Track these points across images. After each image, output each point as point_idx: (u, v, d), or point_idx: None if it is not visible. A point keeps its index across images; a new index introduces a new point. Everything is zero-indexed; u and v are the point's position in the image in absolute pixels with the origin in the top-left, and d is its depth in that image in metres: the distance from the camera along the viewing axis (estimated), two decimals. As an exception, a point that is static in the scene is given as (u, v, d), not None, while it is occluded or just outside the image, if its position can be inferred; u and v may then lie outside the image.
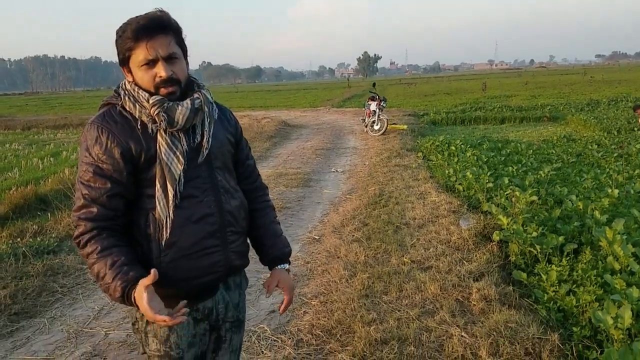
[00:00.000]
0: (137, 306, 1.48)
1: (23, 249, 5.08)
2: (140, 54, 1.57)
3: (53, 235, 5.62)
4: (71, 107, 39.70)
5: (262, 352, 3.27)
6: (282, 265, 1.98)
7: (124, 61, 1.62)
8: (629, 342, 2.76)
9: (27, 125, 23.04)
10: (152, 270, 1.46)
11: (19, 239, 5.51)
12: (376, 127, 13.87)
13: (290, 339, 3.40)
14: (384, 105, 14.59)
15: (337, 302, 3.84)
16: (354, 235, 5.39)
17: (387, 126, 13.80)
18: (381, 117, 13.88)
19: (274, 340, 3.41)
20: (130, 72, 1.63)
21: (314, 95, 41.25)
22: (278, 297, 3.89)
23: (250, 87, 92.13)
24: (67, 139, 17.73)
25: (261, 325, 3.62)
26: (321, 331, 3.45)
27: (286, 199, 7.34)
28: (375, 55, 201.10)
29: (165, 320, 1.44)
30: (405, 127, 14.87)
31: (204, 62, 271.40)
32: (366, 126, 14.42)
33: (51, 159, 11.67)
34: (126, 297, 1.50)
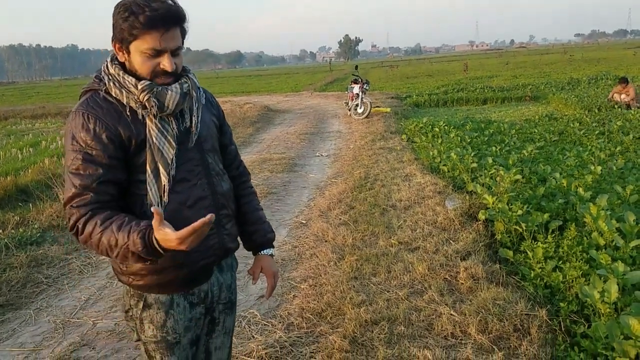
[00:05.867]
0: (163, 248, 1.39)
1: (5, 240, 5.00)
2: (149, 42, 1.49)
3: (35, 226, 5.52)
4: (49, 96, 38.95)
5: (253, 336, 3.26)
6: (265, 250, 1.99)
7: (124, 41, 1.52)
8: (615, 315, 2.81)
9: (4, 115, 22.52)
10: (153, 209, 1.34)
11: (0, 231, 5.41)
12: (360, 111, 13.83)
13: (280, 323, 3.40)
14: (367, 88, 14.54)
15: (326, 285, 3.85)
16: (341, 219, 5.39)
17: (370, 109, 13.77)
18: (364, 100, 13.84)
19: (265, 325, 3.41)
20: (125, 51, 1.55)
21: (296, 80, 41.01)
22: (266, 282, 3.89)
23: (231, 73, 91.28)
24: (45, 128, 17.42)
25: (251, 311, 3.61)
26: (311, 314, 3.46)
27: (272, 184, 7.30)
28: (356, 38, 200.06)
29: (195, 228, 1.33)
30: (388, 109, 14.87)
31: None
32: (349, 110, 14.38)
33: (30, 149, 11.45)
34: (149, 246, 1.39)
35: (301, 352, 3.06)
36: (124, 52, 1.55)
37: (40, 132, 15.84)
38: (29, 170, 8.22)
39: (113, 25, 1.53)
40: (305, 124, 14.03)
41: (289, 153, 9.78)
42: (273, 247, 2.03)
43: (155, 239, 1.38)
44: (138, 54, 1.52)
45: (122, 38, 1.52)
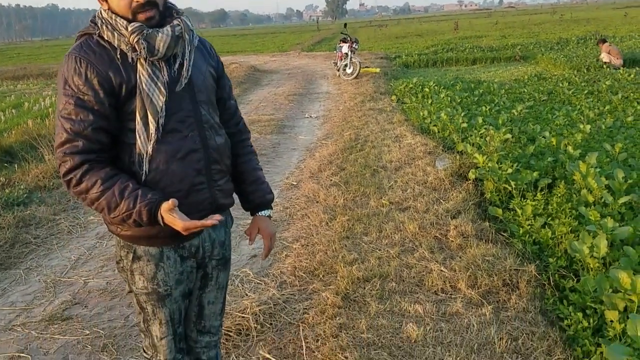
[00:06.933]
0: (164, 224, 1.51)
1: (-9, 201, 4.93)
2: None
3: (21, 187, 5.45)
4: (30, 57, 37.95)
5: (247, 294, 3.29)
6: (263, 211, 1.95)
7: None
8: (604, 270, 2.85)
9: (-16, 77, 22.02)
10: (171, 201, 1.47)
11: (-14, 193, 5.34)
12: (349, 71, 13.64)
13: (273, 281, 3.42)
14: (356, 47, 14.28)
15: (318, 244, 3.87)
16: (331, 180, 5.38)
17: (359, 69, 13.58)
18: (353, 60, 13.63)
19: (258, 283, 3.43)
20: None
21: (283, 39, 40.27)
22: (260, 242, 3.89)
23: (215, 32, 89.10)
24: (27, 89, 17.08)
25: (244, 270, 3.62)
26: (304, 272, 3.48)
27: (261, 146, 7.24)
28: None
29: (204, 224, 1.51)
30: (377, 70, 14.69)
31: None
32: (338, 70, 14.19)
33: (13, 110, 11.23)
34: (154, 218, 1.50)
35: (294, 308, 3.09)
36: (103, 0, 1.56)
37: (22, 94, 15.52)
38: (13, 132, 8.08)
39: None
40: (294, 84, 13.86)
41: (278, 114, 9.68)
42: (271, 208, 1.98)
43: (161, 215, 1.49)
44: None
45: None
